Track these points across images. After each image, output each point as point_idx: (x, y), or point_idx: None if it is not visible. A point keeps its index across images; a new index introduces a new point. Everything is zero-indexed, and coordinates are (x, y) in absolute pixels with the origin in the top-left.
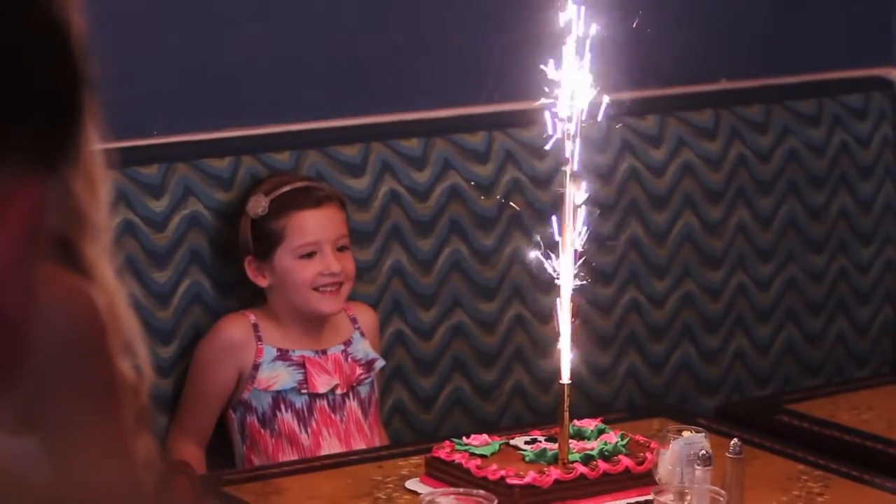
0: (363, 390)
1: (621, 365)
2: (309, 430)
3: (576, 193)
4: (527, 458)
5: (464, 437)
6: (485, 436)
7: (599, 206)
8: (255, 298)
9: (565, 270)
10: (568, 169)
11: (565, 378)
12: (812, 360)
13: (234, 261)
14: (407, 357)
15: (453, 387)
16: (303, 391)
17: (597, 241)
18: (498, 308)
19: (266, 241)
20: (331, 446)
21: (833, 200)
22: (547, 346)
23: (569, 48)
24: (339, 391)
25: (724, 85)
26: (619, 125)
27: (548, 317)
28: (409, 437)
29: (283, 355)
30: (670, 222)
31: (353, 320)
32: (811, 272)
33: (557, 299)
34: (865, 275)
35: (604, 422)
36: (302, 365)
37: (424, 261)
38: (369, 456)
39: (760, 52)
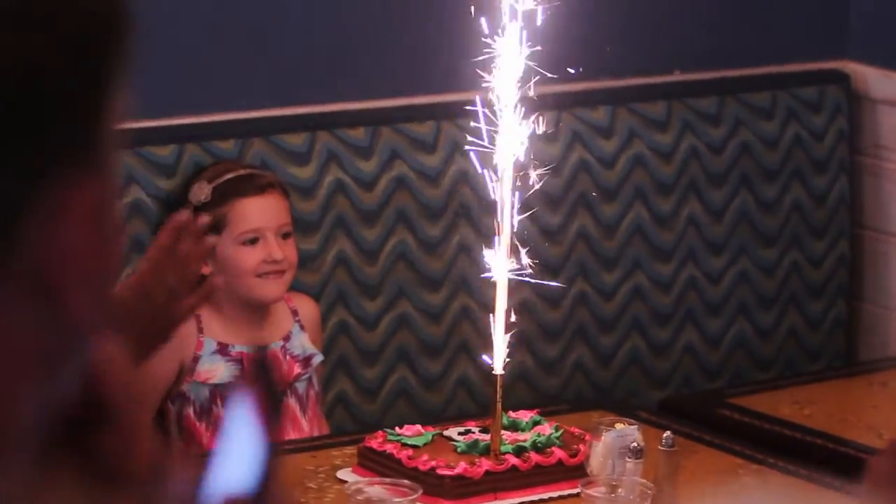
0: (300, 386)
1: (569, 357)
2: None
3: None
4: (458, 449)
5: (396, 428)
6: (418, 426)
7: (548, 198)
8: (196, 286)
9: (500, 262)
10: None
11: (498, 369)
12: (763, 354)
13: None
14: (351, 347)
15: (398, 377)
16: None
17: (545, 233)
18: (444, 299)
19: (208, 228)
20: None
21: (786, 194)
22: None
23: (511, 36)
24: None
25: (678, 77)
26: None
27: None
28: (353, 428)
29: (222, 349)
30: (620, 214)
31: (294, 312)
32: (763, 266)
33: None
34: (818, 269)
35: (543, 413)
36: (240, 361)
37: (370, 251)
38: (303, 445)
39: (715, 44)
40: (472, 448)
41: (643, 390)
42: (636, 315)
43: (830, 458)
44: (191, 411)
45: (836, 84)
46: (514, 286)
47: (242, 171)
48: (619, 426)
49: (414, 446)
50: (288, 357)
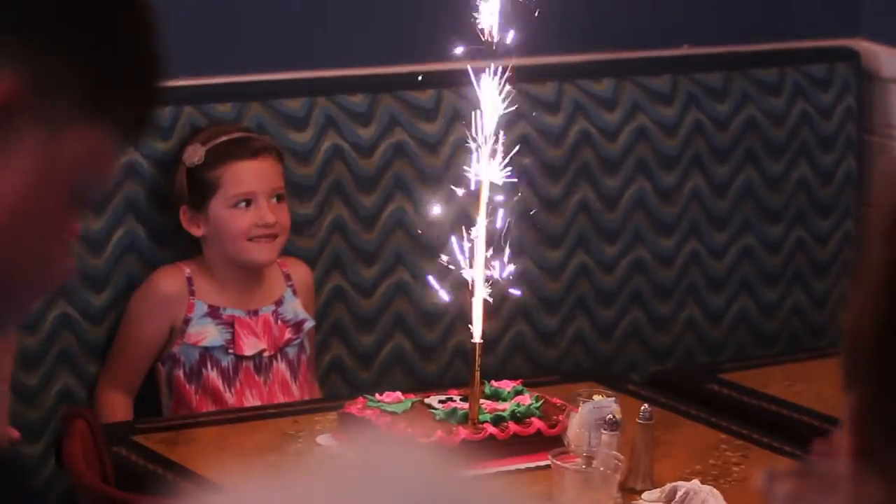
0: (291, 351)
1: (568, 329)
2: (233, 390)
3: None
4: (437, 417)
5: (377, 394)
6: (398, 393)
7: (548, 169)
8: (190, 249)
9: (479, 232)
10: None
11: (477, 337)
12: (767, 331)
13: (171, 211)
14: (346, 314)
15: (394, 345)
16: (230, 351)
17: (546, 204)
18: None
19: (201, 190)
20: None
21: (792, 170)
22: (492, 306)
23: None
24: (266, 354)
25: (686, 51)
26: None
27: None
28: (347, 394)
29: (213, 312)
30: (622, 187)
31: (287, 277)
32: (767, 242)
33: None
34: (824, 246)
35: (531, 384)
36: (231, 325)
37: (367, 217)
38: (287, 410)
39: (725, 18)
40: (451, 416)
41: (643, 364)
42: (637, 288)
43: (813, 434)
44: (181, 373)
45: (845, 62)
46: (517, 252)
47: (237, 134)
48: (596, 398)
49: (393, 413)
50: (279, 321)
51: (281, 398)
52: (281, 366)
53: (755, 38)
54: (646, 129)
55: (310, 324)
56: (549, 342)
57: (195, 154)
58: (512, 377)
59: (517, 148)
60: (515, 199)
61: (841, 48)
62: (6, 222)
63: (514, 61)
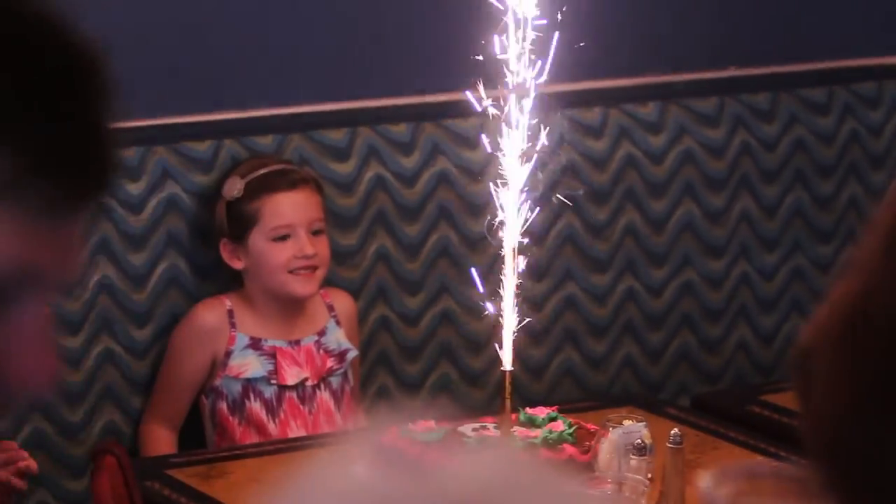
0: (335, 381)
1: (617, 354)
2: (277, 421)
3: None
4: (470, 446)
5: (410, 424)
6: (431, 422)
7: (594, 194)
8: (231, 282)
9: (507, 262)
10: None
11: (507, 365)
12: None
13: (213, 244)
14: (391, 343)
15: (440, 374)
16: (272, 382)
17: (591, 228)
18: (487, 296)
19: (241, 223)
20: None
21: (842, 190)
22: (534, 333)
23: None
24: (309, 383)
25: (732, 72)
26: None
27: (539, 303)
28: None
29: (254, 344)
30: (669, 210)
31: (330, 307)
32: (819, 262)
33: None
34: None
35: (563, 410)
36: (273, 355)
37: (411, 246)
38: (326, 441)
39: (771, 39)
40: (482, 445)
41: (693, 387)
42: (686, 311)
43: None
44: (224, 406)
45: (894, 79)
46: (561, 283)
47: (276, 167)
48: (627, 423)
49: (426, 442)
50: (322, 351)
51: (325, 428)
52: (325, 395)
53: (802, 58)
54: (693, 152)
55: (353, 353)
56: (597, 367)
57: (234, 187)
58: (560, 403)
59: (560, 174)
60: (560, 223)
61: (889, 66)
62: None
63: (557, 87)
